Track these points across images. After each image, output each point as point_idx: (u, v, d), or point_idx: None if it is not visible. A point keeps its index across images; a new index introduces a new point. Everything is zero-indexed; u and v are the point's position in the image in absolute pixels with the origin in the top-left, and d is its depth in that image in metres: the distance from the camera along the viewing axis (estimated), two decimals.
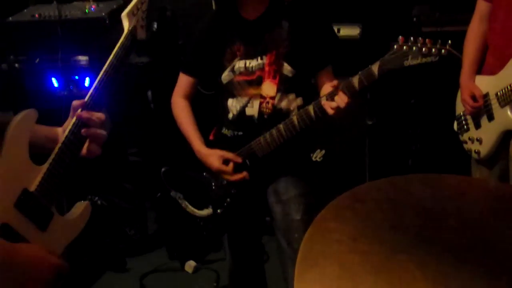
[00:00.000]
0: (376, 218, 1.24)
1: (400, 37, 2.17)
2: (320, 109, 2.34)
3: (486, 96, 2.84)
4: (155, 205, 4.31)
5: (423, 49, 2.12)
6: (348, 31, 3.90)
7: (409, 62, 2.16)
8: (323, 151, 3.85)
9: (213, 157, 2.55)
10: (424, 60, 2.14)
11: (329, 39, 2.64)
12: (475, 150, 2.95)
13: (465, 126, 3.01)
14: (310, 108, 2.37)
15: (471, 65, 2.92)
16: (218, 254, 3.92)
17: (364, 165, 3.93)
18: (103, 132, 1.72)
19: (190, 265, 3.89)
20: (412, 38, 2.15)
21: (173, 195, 2.71)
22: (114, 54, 1.78)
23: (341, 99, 2.26)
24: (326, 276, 1.01)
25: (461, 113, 3.03)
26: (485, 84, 2.85)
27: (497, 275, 1.08)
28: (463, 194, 1.43)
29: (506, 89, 2.69)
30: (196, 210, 2.67)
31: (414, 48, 2.14)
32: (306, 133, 2.54)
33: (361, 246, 1.12)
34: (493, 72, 2.81)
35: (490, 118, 2.83)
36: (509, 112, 2.72)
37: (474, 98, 2.87)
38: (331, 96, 2.29)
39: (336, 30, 3.83)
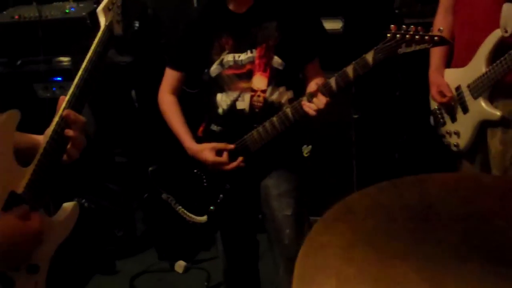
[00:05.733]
0: (369, 226, 1.22)
1: (392, 25, 2.17)
2: (300, 110, 2.39)
3: (458, 89, 2.85)
4: (143, 206, 4.28)
5: (416, 36, 2.14)
6: (330, 24, 3.89)
7: (403, 50, 2.18)
8: (310, 146, 3.85)
9: (206, 151, 2.53)
10: (418, 47, 2.17)
11: (317, 32, 2.66)
12: (454, 144, 2.96)
13: (441, 120, 3.01)
14: (305, 99, 2.38)
15: (439, 59, 2.93)
16: (208, 253, 3.90)
17: (351, 159, 3.92)
18: (83, 137, 1.69)
19: (180, 265, 3.86)
20: (404, 26, 2.17)
21: (165, 197, 2.67)
22: (92, 50, 1.75)
23: (319, 100, 2.32)
24: None
25: (436, 107, 3.03)
26: (456, 77, 2.87)
27: (503, 271, 1.06)
28: (454, 190, 1.41)
29: (477, 80, 2.71)
30: (195, 217, 2.63)
31: (407, 36, 2.15)
32: (296, 127, 2.55)
33: (357, 256, 1.10)
34: (462, 64, 2.82)
35: (465, 110, 2.84)
36: (482, 103, 2.73)
37: (442, 93, 2.88)
38: (310, 97, 2.34)
39: None
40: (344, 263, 1.08)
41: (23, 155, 1.64)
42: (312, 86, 2.45)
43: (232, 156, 2.52)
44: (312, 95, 2.33)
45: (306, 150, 3.86)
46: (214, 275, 3.68)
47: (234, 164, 2.51)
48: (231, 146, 2.52)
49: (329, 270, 1.07)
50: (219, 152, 2.52)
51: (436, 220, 1.24)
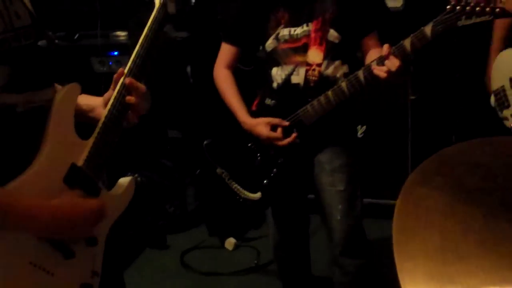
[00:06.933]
0: (468, 183, 1.14)
1: None
2: (371, 74, 2.32)
3: None
4: (194, 182, 4.30)
5: (477, 8, 2.08)
6: (391, 2, 3.81)
7: (463, 22, 2.13)
8: (364, 127, 3.80)
9: (261, 126, 2.53)
10: (478, 19, 2.11)
11: (375, 4, 2.62)
12: None
13: (505, 103, 2.89)
14: (360, 74, 2.35)
15: (499, 40, 2.81)
16: (258, 231, 3.91)
17: (406, 140, 3.85)
18: (144, 102, 1.70)
19: (230, 242, 3.88)
20: None
21: (219, 172, 2.68)
22: (148, 28, 1.77)
23: (392, 63, 2.24)
24: (428, 247, 0.96)
25: (499, 88, 2.92)
26: None
27: None
28: None
29: None
30: (248, 193, 2.63)
31: (467, 7, 2.10)
32: (352, 106, 2.55)
33: (459, 213, 1.03)
34: None
35: None
36: None
37: None
38: (381, 61, 2.28)
39: None
40: (447, 219, 1.02)
41: (80, 117, 1.66)
42: (372, 57, 2.40)
43: (287, 131, 2.52)
44: (384, 58, 2.27)
45: (360, 130, 3.82)
46: (264, 253, 3.68)
47: (287, 140, 2.50)
48: (286, 122, 2.51)
49: (432, 224, 1.02)
50: (273, 127, 2.52)
51: None
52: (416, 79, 3.81)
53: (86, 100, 1.74)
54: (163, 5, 1.81)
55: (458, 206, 1.05)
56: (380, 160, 3.87)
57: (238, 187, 2.65)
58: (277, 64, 2.57)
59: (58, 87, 1.70)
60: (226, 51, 2.71)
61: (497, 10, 2.07)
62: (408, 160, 3.84)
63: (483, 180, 1.14)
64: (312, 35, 2.49)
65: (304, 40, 2.51)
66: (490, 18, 2.10)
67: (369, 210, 3.59)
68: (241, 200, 2.63)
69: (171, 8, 1.89)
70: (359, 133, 3.80)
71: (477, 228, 0.99)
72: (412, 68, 3.73)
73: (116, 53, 3.83)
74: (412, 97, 3.83)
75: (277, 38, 2.54)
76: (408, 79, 3.77)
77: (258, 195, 2.60)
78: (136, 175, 3.85)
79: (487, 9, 2.07)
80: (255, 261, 3.68)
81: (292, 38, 2.52)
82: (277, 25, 2.53)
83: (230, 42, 2.69)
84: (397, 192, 1.14)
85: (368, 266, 2.65)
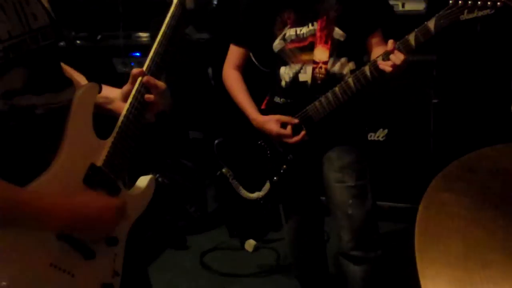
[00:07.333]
0: (492, 189, 1.12)
1: None
2: (377, 69, 2.35)
3: None
4: (215, 183, 4.30)
5: (479, 2, 2.11)
6: (413, 5, 3.79)
7: (465, 16, 2.15)
8: (386, 130, 3.78)
9: (271, 122, 2.57)
10: (480, 13, 2.14)
11: (378, 3, 2.64)
12: None
13: None
14: (366, 69, 2.39)
15: None
16: (278, 233, 3.89)
17: (429, 144, 3.82)
18: (162, 101, 1.70)
19: (250, 244, 3.87)
20: None
21: (225, 171, 2.72)
22: (166, 25, 1.76)
23: (397, 57, 2.28)
24: (451, 253, 0.93)
25: None
26: None
27: None
28: None
29: None
30: (246, 193, 2.69)
31: (469, 1, 2.13)
32: (361, 106, 2.61)
33: (483, 220, 1.01)
34: None
35: None
36: None
37: None
38: (386, 55, 2.31)
39: (400, 5, 3.76)
40: (471, 225, 1.01)
41: (98, 109, 1.66)
42: (377, 54, 2.43)
43: (296, 128, 2.55)
44: (389, 53, 2.31)
45: (382, 134, 3.80)
46: (284, 255, 3.68)
47: (297, 137, 2.54)
48: (296, 120, 2.55)
49: (455, 231, 1.00)
50: (283, 125, 2.56)
51: None
52: (438, 82, 3.78)
53: (105, 92, 1.74)
54: (180, 2, 1.80)
55: (481, 212, 1.03)
56: (402, 164, 3.84)
57: (238, 185, 2.70)
58: (285, 63, 2.61)
59: (83, 81, 1.71)
60: (234, 52, 2.76)
61: (499, 3, 2.09)
62: (430, 164, 3.80)
63: (506, 186, 1.12)
64: (318, 33, 2.53)
65: (310, 39, 2.55)
66: (492, 12, 2.12)
67: (390, 214, 3.56)
68: (262, 201, 2.65)
69: (189, 4, 1.88)
70: (380, 136, 3.79)
71: (501, 235, 0.97)
72: (434, 71, 3.71)
73: (138, 54, 3.84)
74: (435, 101, 3.80)
75: (284, 39, 2.58)
76: (430, 82, 3.74)
77: (255, 195, 2.65)
78: (157, 175, 3.86)
79: (489, 2, 2.09)
80: (275, 263, 3.67)
81: (298, 38, 2.56)
82: (284, 26, 2.58)
83: (237, 43, 2.75)
84: (419, 197, 1.13)
85: (382, 259, 2.66)
